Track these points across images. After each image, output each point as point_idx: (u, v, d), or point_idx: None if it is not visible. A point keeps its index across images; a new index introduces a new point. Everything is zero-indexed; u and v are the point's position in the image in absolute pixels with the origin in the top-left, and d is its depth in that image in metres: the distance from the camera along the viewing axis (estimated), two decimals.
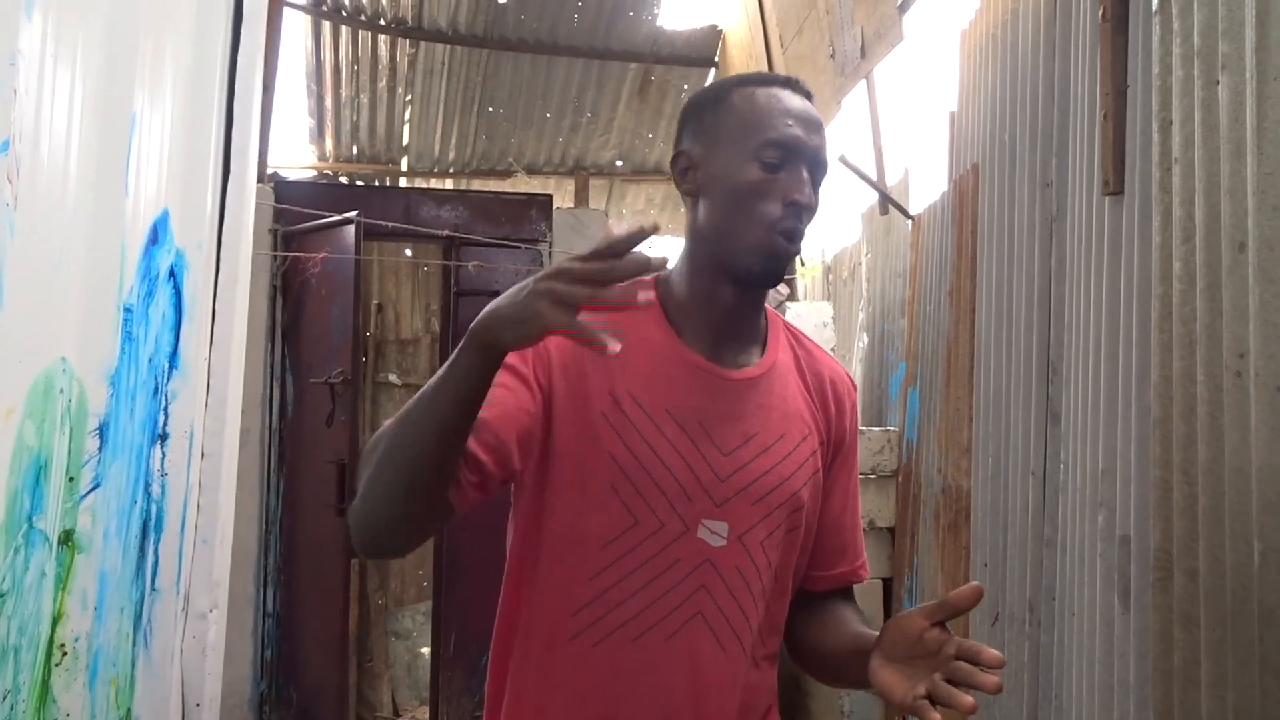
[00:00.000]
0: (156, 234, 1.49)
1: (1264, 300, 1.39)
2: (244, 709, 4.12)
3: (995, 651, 0.97)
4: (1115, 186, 1.94)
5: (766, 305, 1.29)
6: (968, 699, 0.96)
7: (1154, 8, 1.76)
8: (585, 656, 1.15)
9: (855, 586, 1.32)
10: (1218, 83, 1.53)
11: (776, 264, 1.16)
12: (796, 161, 1.15)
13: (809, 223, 1.17)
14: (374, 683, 5.72)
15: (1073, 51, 2.26)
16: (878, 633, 1.10)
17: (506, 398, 1.11)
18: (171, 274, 1.56)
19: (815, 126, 1.18)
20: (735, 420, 1.18)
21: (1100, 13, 2.03)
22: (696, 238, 1.21)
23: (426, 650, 5.23)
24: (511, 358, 1.13)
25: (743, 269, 1.16)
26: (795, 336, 1.30)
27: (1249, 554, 1.43)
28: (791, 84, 1.21)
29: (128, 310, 1.41)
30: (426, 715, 4.84)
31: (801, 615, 1.29)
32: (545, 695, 1.17)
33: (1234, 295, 1.47)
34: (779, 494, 1.17)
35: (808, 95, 1.22)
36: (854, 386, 1.33)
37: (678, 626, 1.14)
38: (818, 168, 1.18)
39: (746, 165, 1.15)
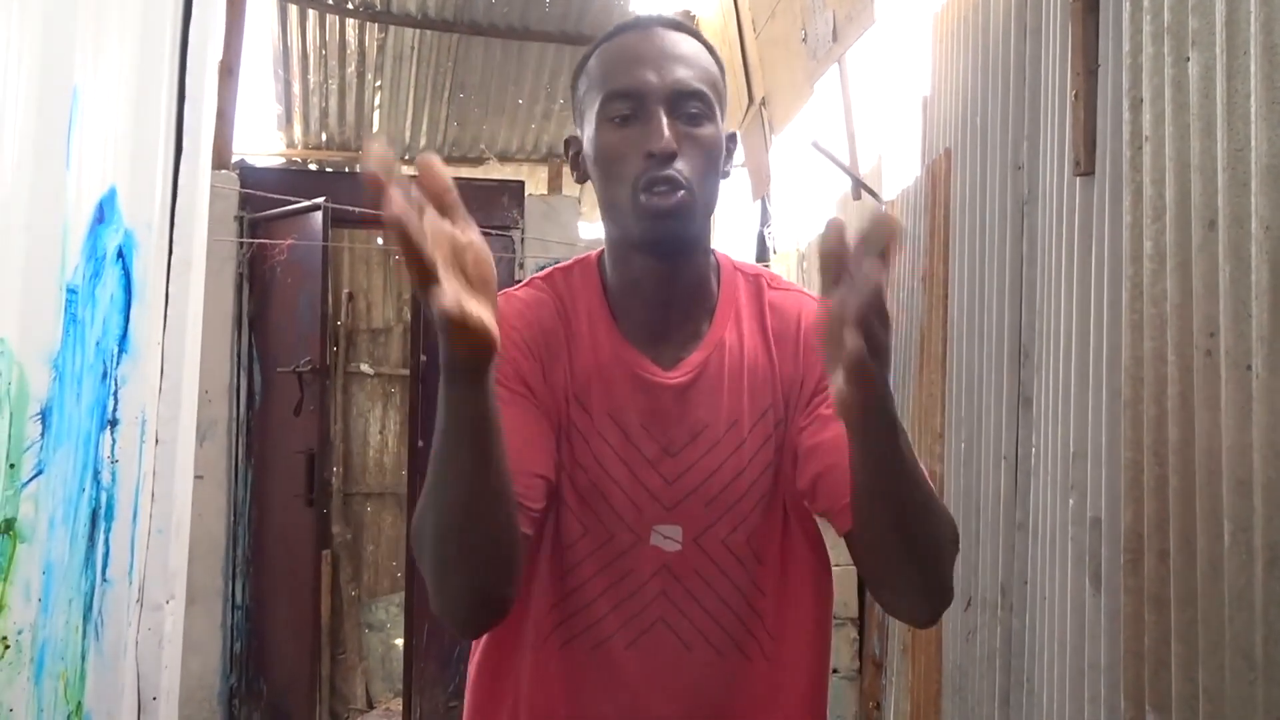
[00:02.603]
0: (103, 212, 1.44)
1: (1234, 278, 1.37)
2: (213, 702, 4.08)
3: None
4: (1086, 167, 1.93)
5: (723, 261, 1.18)
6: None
7: None
8: (555, 657, 1.11)
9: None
10: (1188, 59, 1.51)
11: (660, 224, 1.04)
12: (648, 107, 1.04)
13: (692, 165, 1.04)
14: (347, 675, 5.68)
15: (1044, 32, 2.24)
16: None
17: (518, 428, 1.02)
18: (120, 254, 1.51)
19: (673, 60, 1.06)
20: (679, 418, 1.10)
21: None
22: (604, 223, 1.13)
23: (400, 641, 5.19)
24: (501, 383, 1.02)
25: (635, 238, 1.07)
26: (757, 287, 1.17)
27: (1219, 534, 1.42)
28: (644, 24, 1.10)
29: (71, 291, 1.36)
30: (400, 707, 4.80)
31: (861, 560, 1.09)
32: (523, 694, 1.13)
33: (1204, 273, 1.45)
34: (734, 489, 1.10)
35: (675, 26, 1.10)
36: None
37: (636, 635, 1.09)
38: (682, 101, 1.05)
39: (601, 129, 1.06)
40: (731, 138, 1.13)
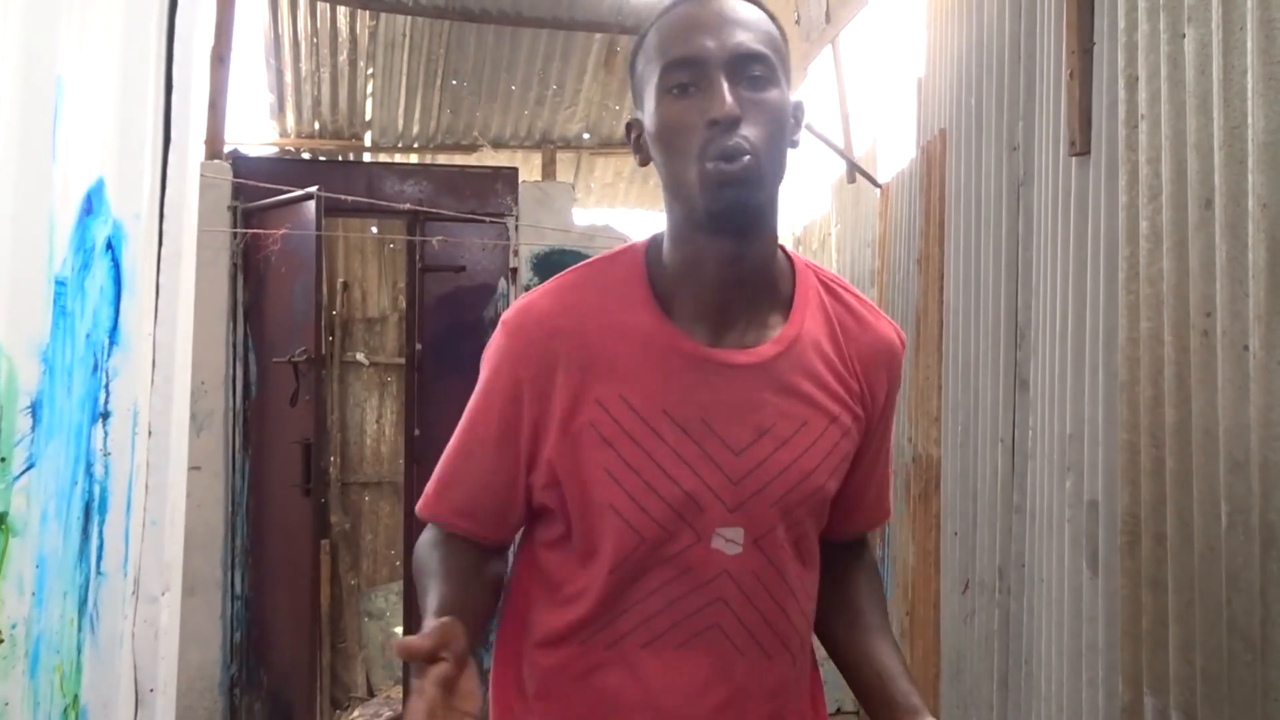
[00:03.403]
0: (91, 204, 1.42)
1: (1230, 256, 1.36)
2: (214, 693, 4.08)
3: None
4: (1082, 147, 1.92)
5: (794, 256, 1.13)
6: None
7: None
8: (599, 657, 1.09)
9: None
10: (1184, 35, 1.50)
11: (728, 194, 0.98)
12: (708, 74, 0.99)
13: (757, 130, 0.99)
14: (348, 663, 5.69)
15: (1039, 11, 2.23)
16: (896, 679, 1.07)
17: (488, 461, 1.12)
18: (109, 246, 1.49)
19: (731, 24, 1.01)
20: (746, 412, 1.04)
21: None
22: (666, 203, 1.07)
23: (400, 630, 5.19)
24: (494, 411, 1.10)
25: (701, 213, 1.01)
26: (832, 292, 1.12)
27: (1216, 516, 1.41)
28: None
29: (60, 283, 1.35)
30: (401, 694, 4.81)
31: (822, 583, 1.18)
32: (557, 700, 1.12)
33: (1201, 252, 1.45)
34: (800, 491, 1.06)
35: None
36: (902, 342, 1.15)
37: (688, 637, 1.06)
38: (743, 65, 1.00)
39: (661, 102, 1.01)
40: (799, 106, 1.07)
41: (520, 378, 1.07)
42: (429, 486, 1.17)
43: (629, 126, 1.11)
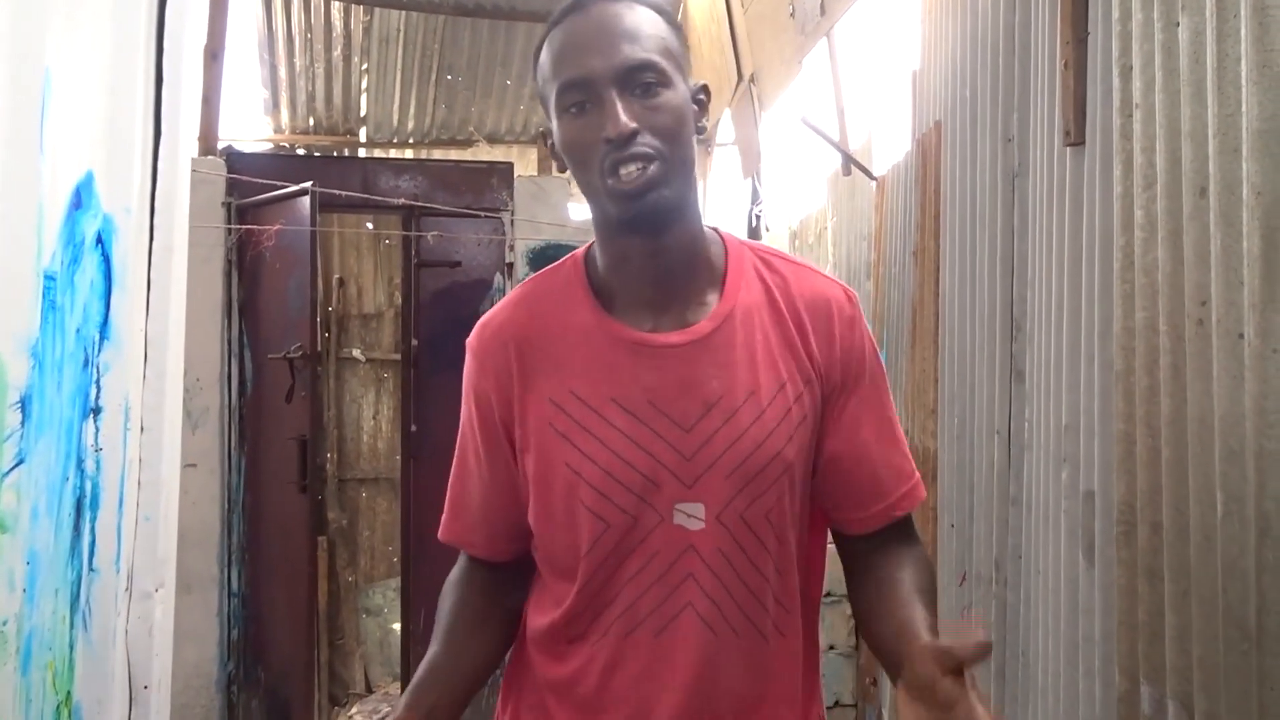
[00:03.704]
0: (80, 197, 1.42)
1: (1225, 245, 1.36)
2: (211, 690, 4.08)
3: None
4: (1076, 137, 1.91)
5: (726, 236, 1.17)
6: None
7: None
8: (586, 650, 1.12)
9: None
10: (1178, 24, 1.49)
11: (635, 205, 1.03)
12: (598, 92, 1.03)
13: (657, 133, 1.03)
14: (346, 660, 5.69)
15: (1034, 1, 2.22)
16: (919, 621, 1.03)
17: (481, 479, 1.17)
18: (99, 240, 1.49)
19: (616, 37, 1.04)
20: (691, 388, 1.08)
21: None
22: (590, 207, 1.13)
23: (398, 626, 5.19)
24: (476, 431, 1.17)
25: (615, 220, 1.07)
26: (767, 263, 1.15)
27: (1211, 505, 1.41)
28: (576, 7, 1.07)
29: (49, 278, 1.34)
30: (399, 691, 4.81)
31: (852, 573, 1.18)
32: (549, 696, 1.15)
33: (1196, 241, 1.44)
34: (756, 460, 1.07)
35: None
36: (851, 300, 1.17)
37: (666, 621, 1.08)
38: (633, 76, 1.03)
39: (562, 120, 1.06)
40: (701, 89, 1.12)
41: (487, 391, 1.14)
42: (444, 513, 1.24)
43: (543, 136, 1.18)
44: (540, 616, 1.16)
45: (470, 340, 1.18)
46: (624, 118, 1.01)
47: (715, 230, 1.18)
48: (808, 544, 1.18)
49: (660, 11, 1.10)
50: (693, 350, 1.09)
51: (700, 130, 1.10)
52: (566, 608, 1.12)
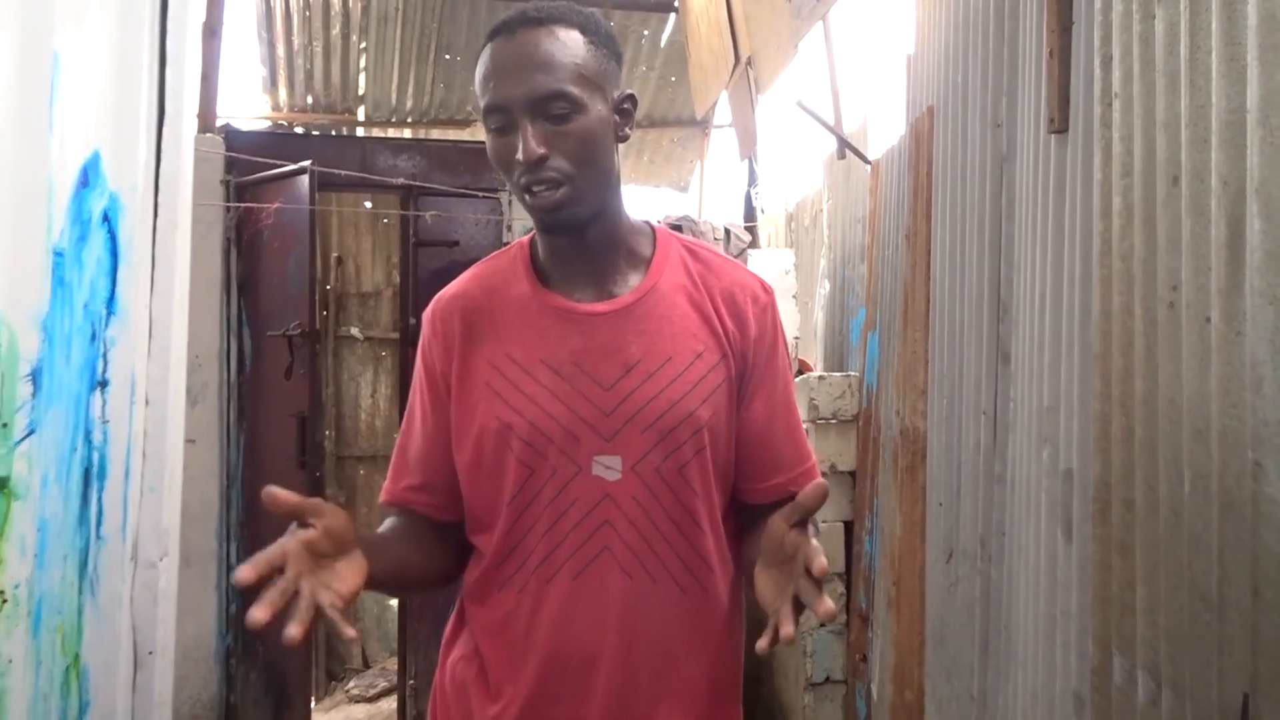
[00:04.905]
0: (87, 176, 1.46)
1: (1194, 232, 1.41)
2: (209, 662, 4.14)
3: (821, 561, 0.92)
4: (1060, 124, 1.95)
5: (656, 227, 1.29)
6: (825, 604, 0.91)
7: None
8: (513, 597, 1.21)
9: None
10: (1154, 16, 1.53)
11: (549, 219, 1.16)
12: (513, 118, 1.13)
13: (566, 158, 1.13)
14: None
15: None
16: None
17: (425, 436, 1.26)
18: (106, 217, 1.53)
19: (531, 68, 1.12)
20: (613, 352, 1.19)
21: None
22: None
23: (395, 602, 5.25)
24: (424, 393, 1.28)
25: (538, 225, 1.20)
26: (692, 253, 1.28)
27: (1180, 482, 1.46)
28: (510, 27, 1.15)
29: (59, 254, 1.38)
30: (395, 666, 4.87)
31: (746, 534, 1.28)
32: (484, 641, 1.24)
33: (1168, 228, 1.49)
34: (670, 417, 1.18)
35: (539, 21, 1.14)
36: (766, 291, 1.29)
37: (584, 564, 1.18)
38: (544, 106, 1.12)
39: (489, 135, 1.16)
40: (627, 99, 1.21)
41: (434, 357, 1.26)
42: (386, 480, 1.32)
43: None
44: (473, 571, 1.26)
45: (426, 311, 1.30)
46: (533, 144, 1.11)
47: (648, 223, 1.30)
48: (713, 533, 1.26)
49: (585, 29, 1.17)
50: (615, 319, 1.21)
51: (623, 138, 1.20)
52: (491, 553, 1.21)
